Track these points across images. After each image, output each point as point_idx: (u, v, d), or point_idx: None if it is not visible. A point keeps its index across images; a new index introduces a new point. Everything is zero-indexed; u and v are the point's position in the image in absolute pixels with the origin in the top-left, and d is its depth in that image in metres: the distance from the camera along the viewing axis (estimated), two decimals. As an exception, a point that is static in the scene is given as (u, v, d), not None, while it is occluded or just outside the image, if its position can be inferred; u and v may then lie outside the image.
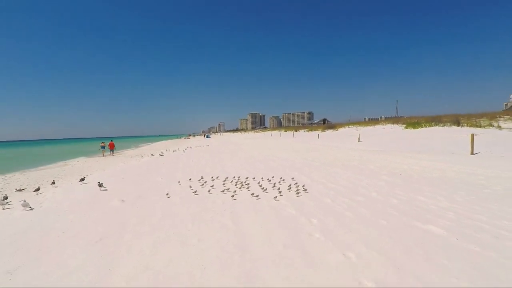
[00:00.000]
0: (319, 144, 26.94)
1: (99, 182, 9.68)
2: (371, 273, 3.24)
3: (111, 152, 28.73)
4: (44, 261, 4.04)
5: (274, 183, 8.71)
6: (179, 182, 9.85)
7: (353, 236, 4.38)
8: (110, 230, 5.15)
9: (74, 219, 6.03)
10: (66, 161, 24.08)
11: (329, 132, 46.03)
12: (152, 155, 23.52)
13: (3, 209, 7.32)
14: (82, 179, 11.46)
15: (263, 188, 8.12)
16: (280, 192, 7.42)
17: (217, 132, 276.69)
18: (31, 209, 7.11)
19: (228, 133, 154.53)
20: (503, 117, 27.31)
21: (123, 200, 7.43)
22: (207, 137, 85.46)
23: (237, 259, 3.73)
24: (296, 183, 8.49)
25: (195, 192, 8.02)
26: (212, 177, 10.24)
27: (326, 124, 70.98)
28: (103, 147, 28.45)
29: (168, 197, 7.55)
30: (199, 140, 62.85)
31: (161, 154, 23.33)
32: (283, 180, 9.22)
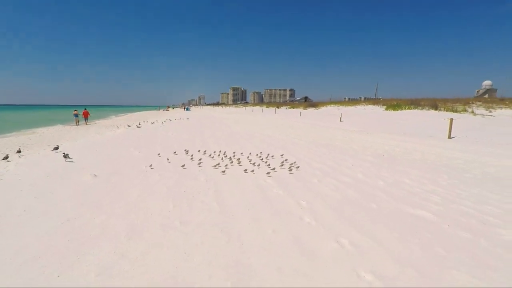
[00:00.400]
0: (302, 122, 26.83)
1: (64, 152, 8.96)
2: (368, 263, 3.06)
3: (85, 121, 27.18)
4: None
5: (262, 158, 8.77)
6: (159, 154, 9.43)
7: (345, 220, 4.20)
8: (81, 210, 4.65)
9: (39, 195, 5.44)
10: (35, 129, 22.41)
11: (311, 110, 46.04)
12: (128, 126, 22.40)
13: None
14: (56, 148, 10.64)
15: (253, 163, 8.05)
16: (274, 169, 7.40)
17: (197, 105, 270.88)
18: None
19: (208, 107, 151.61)
20: (476, 103, 28.36)
21: (96, 175, 6.86)
22: (187, 109, 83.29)
23: (224, 245, 3.42)
24: (286, 159, 8.51)
25: (177, 167, 7.61)
26: (199, 150, 9.87)
27: (308, 102, 71.01)
28: (76, 115, 26.63)
29: (147, 173, 7.08)
30: (178, 112, 61.00)
31: (138, 125, 22.30)
32: (272, 156, 9.17)
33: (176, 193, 5.49)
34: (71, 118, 27.90)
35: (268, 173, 7.00)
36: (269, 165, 7.87)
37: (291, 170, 7.35)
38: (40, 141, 14.57)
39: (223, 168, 7.49)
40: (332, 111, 37.98)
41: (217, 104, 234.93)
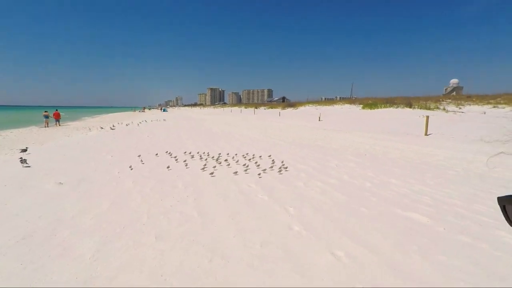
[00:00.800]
0: (281, 122, 26.72)
1: (21, 157, 8.24)
2: (368, 278, 2.75)
3: (56, 122, 25.68)
4: None
5: (250, 160, 8.59)
6: (138, 158, 8.86)
7: (336, 228, 3.90)
8: (40, 225, 4.05)
9: (-9, 208, 4.75)
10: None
11: (289, 110, 46.22)
12: (101, 128, 21.28)
13: None
14: (25, 150, 10.02)
15: (243, 165, 7.81)
16: (264, 170, 7.23)
17: (174, 106, 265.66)
18: None
19: (186, 108, 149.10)
20: (446, 101, 29.58)
21: (61, 183, 6.18)
22: (163, 110, 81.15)
23: (207, 264, 2.98)
24: (274, 160, 8.28)
25: (153, 172, 7.07)
26: (185, 152, 9.25)
27: (286, 102, 71.44)
28: (46, 116, 25.02)
29: (120, 179, 6.49)
30: (155, 113, 59.19)
31: (112, 127, 21.21)
32: (260, 157, 9.01)
33: (151, 202, 4.97)
34: (41, 120, 26.18)
35: (258, 174, 6.83)
36: (259, 165, 7.72)
37: (280, 171, 7.12)
38: (2, 145, 13.37)
39: (211, 170, 7.20)
40: (310, 111, 38.26)
41: (195, 105, 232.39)
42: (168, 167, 7.58)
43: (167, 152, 9.91)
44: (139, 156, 9.20)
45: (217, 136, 14.81)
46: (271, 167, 7.51)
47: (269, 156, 9.13)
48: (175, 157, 9.01)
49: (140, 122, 26.75)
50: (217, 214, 4.42)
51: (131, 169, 7.46)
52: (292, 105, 52.39)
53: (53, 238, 3.68)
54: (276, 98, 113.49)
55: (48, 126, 24.35)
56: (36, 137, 16.72)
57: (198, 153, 9.67)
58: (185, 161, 8.34)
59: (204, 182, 6.23)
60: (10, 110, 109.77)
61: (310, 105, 46.74)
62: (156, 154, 9.53)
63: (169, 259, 3.09)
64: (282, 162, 8.01)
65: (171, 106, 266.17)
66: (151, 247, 3.36)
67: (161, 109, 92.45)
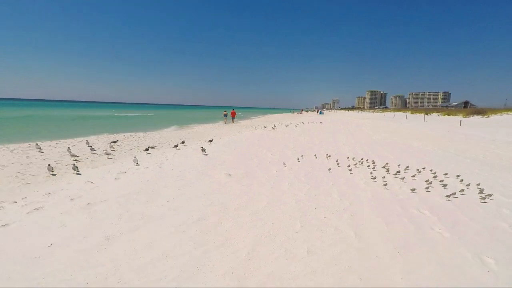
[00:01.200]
0: (463, 134, 21.32)
1: (202, 147, 10.72)
2: None
3: (232, 119, 31.16)
4: (137, 235, 3.80)
5: (435, 177, 6.99)
6: (295, 158, 9.16)
7: None
8: (210, 211, 4.66)
9: (182, 187, 5.95)
10: (193, 126, 27.25)
11: (476, 118, 36.55)
12: (265, 127, 23.76)
13: (136, 164, 8.18)
14: (211, 141, 13.18)
15: (427, 181, 6.40)
16: (454, 194, 5.54)
17: (330, 109, 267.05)
18: (138, 164, 8.15)
19: (342, 111, 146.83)
20: None
21: (230, 174, 7.08)
22: (320, 113, 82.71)
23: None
24: (465, 182, 6.50)
25: (308, 175, 7.02)
26: (343, 159, 8.99)
27: (470, 108, 57.20)
28: (225, 115, 31.06)
29: (277, 178, 6.80)
30: (311, 116, 61.26)
31: (273, 127, 23.29)
32: (446, 175, 7.17)
33: (305, 209, 4.80)
34: (221, 118, 32.64)
35: (448, 196, 5.50)
36: (446, 185, 6.32)
37: (485, 200, 5.32)
38: (195, 136, 17.28)
39: (381, 182, 6.51)
40: (511, 121, 28.73)
41: (352, 108, 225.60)
42: (329, 169, 7.61)
43: (327, 155, 9.74)
44: (295, 157, 9.43)
45: (378, 144, 13.37)
46: (462, 190, 5.75)
47: (458, 176, 7.06)
48: (337, 161, 8.70)
49: (297, 124, 28.16)
50: (378, 241, 3.71)
51: (286, 171, 7.68)
52: (480, 112, 41.07)
53: (219, 226, 4.10)
54: (455, 103, 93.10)
55: (226, 123, 29.79)
56: (216, 132, 20.59)
57: (361, 159, 8.94)
58: (348, 166, 7.96)
59: (364, 196, 5.54)
60: (199, 109, 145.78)
61: (509, 112, 35.29)
62: (315, 156, 9.58)
63: (318, 279, 2.75)
64: (479, 186, 6.04)
65: (327, 108, 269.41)
66: (302, 262, 3.13)
67: (317, 112, 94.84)
